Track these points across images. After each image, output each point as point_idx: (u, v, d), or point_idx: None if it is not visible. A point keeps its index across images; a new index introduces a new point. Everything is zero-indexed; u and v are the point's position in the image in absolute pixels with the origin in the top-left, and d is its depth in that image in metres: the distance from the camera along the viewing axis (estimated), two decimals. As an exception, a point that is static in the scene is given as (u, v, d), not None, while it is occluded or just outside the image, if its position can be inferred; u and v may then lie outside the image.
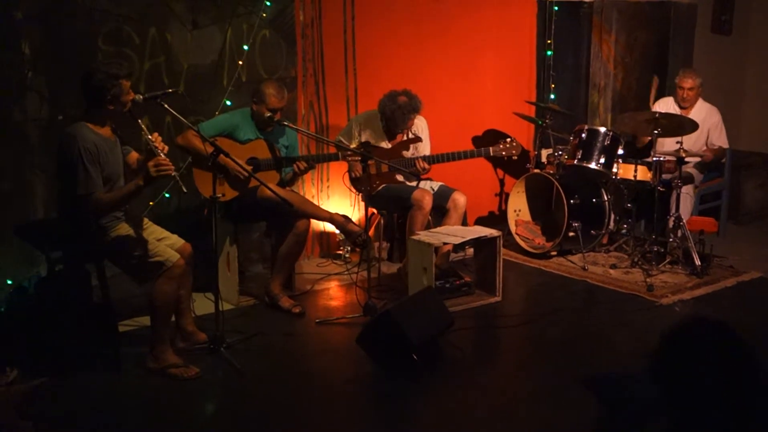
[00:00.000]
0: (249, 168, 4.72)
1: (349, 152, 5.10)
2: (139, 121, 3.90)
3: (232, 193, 4.85)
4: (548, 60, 6.96)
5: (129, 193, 3.85)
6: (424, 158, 5.35)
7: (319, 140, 5.69)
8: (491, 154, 5.48)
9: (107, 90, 3.80)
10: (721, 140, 6.43)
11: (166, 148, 3.85)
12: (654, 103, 6.85)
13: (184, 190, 3.88)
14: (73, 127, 3.85)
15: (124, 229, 4.01)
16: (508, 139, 5.52)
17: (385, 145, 5.44)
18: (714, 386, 1.74)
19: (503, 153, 5.48)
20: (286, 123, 4.87)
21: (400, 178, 5.48)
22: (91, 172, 3.79)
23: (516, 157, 5.57)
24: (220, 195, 4.27)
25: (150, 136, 3.82)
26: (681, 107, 6.41)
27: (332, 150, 5.34)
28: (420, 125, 5.56)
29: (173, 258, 3.97)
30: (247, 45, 5.38)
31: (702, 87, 6.38)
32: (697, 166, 6.38)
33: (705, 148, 6.37)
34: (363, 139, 5.37)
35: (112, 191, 3.90)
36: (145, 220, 4.23)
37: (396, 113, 5.30)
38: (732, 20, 8.11)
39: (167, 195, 5.11)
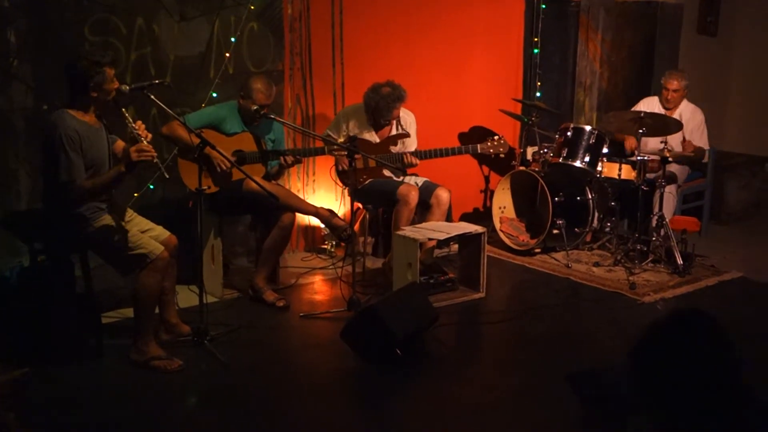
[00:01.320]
0: (233, 159, 4.71)
1: (336, 146, 5.09)
2: (123, 110, 3.89)
3: (216, 187, 4.83)
4: (535, 58, 6.98)
5: (111, 179, 3.85)
6: (413, 154, 5.36)
7: (306, 134, 5.69)
8: (479, 151, 5.48)
9: (90, 77, 3.80)
10: (702, 141, 6.45)
11: (149, 136, 3.85)
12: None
13: (166, 176, 3.89)
14: (55, 114, 3.85)
15: (108, 220, 3.99)
16: (496, 137, 5.52)
17: (372, 137, 5.43)
18: (695, 383, 1.74)
19: (491, 151, 5.48)
20: (273, 116, 4.86)
21: (386, 172, 5.48)
22: (73, 158, 3.78)
23: (503, 155, 5.58)
24: (205, 187, 4.26)
25: (133, 124, 3.82)
26: (665, 108, 6.43)
27: (319, 144, 5.33)
28: (408, 120, 5.57)
29: (157, 250, 3.96)
30: (234, 37, 5.36)
31: (687, 89, 6.41)
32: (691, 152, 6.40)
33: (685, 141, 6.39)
34: (350, 133, 5.37)
35: (95, 177, 3.89)
36: (130, 211, 4.21)
37: (381, 104, 5.29)
38: (718, 21, 8.17)
39: (152, 186, 5.09)
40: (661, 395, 1.79)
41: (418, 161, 5.29)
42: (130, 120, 3.84)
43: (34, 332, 3.96)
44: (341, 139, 5.30)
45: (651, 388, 1.81)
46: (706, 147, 6.50)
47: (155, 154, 3.78)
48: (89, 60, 3.80)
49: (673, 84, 6.35)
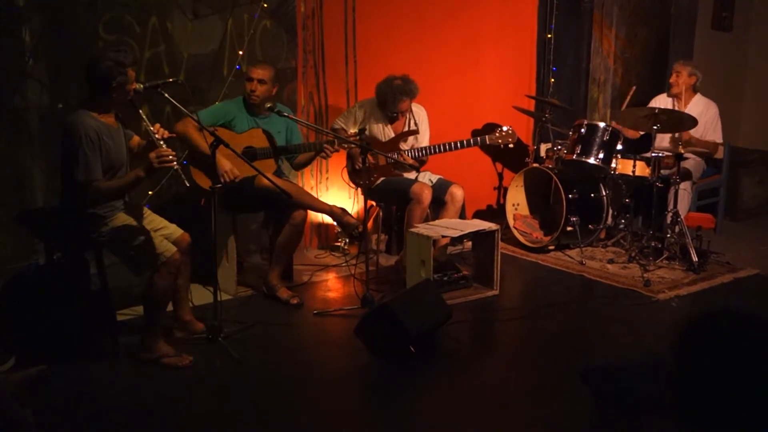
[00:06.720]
0: (245, 157, 4.70)
1: (346, 141, 5.08)
2: (140, 111, 3.89)
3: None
4: (548, 54, 6.96)
5: (129, 182, 3.85)
6: (422, 150, 5.36)
7: (318, 131, 5.68)
8: (487, 142, 5.49)
9: (113, 78, 3.78)
10: (715, 135, 6.41)
11: (166, 133, 3.84)
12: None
13: (186, 184, 3.87)
14: (76, 114, 3.84)
15: (123, 219, 4.00)
16: (504, 128, 5.53)
17: (386, 130, 5.43)
18: (720, 381, 1.66)
19: (499, 141, 5.50)
20: (277, 110, 4.80)
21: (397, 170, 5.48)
22: (91, 159, 3.78)
23: (512, 145, 5.57)
24: (218, 185, 4.26)
25: (151, 127, 3.81)
26: (669, 95, 6.41)
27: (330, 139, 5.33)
28: (420, 115, 5.57)
29: (168, 252, 3.94)
30: (247, 35, 5.37)
31: (694, 78, 6.36)
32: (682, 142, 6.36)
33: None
34: (362, 126, 5.35)
35: (114, 179, 3.90)
36: (145, 209, 4.22)
37: (389, 95, 5.30)
38: (732, 17, 8.12)
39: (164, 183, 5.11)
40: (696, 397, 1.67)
41: (413, 161, 5.31)
42: (148, 122, 3.84)
43: (49, 329, 3.98)
44: (353, 130, 5.30)
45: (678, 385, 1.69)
46: (719, 140, 6.45)
47: (176, 160, 3.77)
48: (113, 61, 3.78)
49: (679, 68, 6.36)
